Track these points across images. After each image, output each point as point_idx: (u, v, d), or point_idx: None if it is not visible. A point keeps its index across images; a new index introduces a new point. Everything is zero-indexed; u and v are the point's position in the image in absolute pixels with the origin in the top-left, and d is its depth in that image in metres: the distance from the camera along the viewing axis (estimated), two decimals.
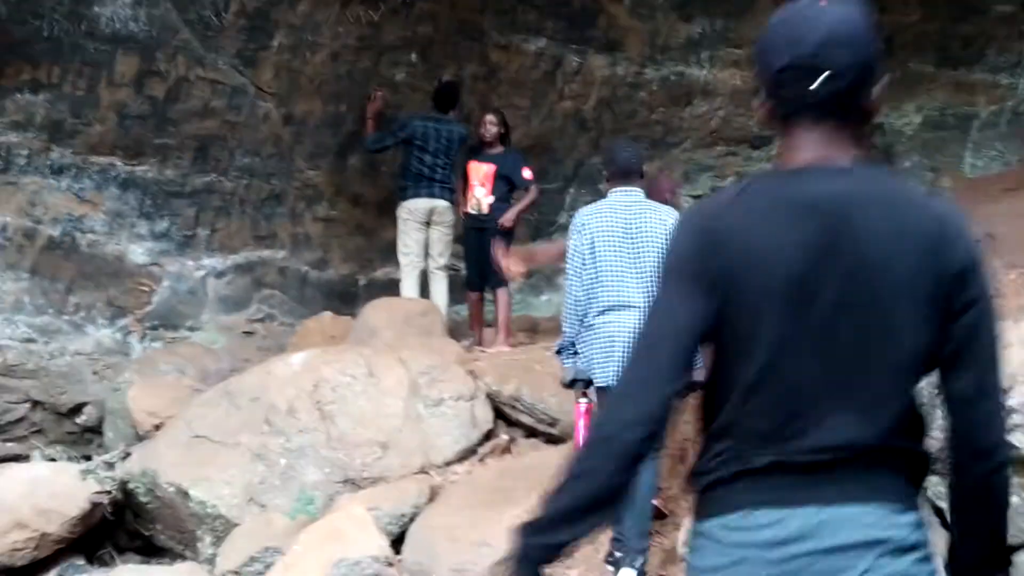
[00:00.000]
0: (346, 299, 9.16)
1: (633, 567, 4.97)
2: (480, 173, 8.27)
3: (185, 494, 6.13)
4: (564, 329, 5.39)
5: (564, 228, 7.93)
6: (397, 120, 8.62)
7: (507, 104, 9.26)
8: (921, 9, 9.82)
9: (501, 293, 8.21)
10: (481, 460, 6.43)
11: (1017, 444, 3.66)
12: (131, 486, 6.33)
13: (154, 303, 8.34)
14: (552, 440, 6.58)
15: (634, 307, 4.90)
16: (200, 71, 8.13)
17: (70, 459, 7.09)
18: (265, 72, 8.44)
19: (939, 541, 2.01)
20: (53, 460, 7.02)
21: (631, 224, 5.23)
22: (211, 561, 5.89)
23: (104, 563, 6.22)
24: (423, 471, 6.22)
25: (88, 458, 7.08)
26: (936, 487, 3.59)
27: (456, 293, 8.74)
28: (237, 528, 5.93)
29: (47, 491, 5.99)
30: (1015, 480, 3.31)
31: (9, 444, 7.50)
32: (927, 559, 1.85)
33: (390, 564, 5.28)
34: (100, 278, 8.10)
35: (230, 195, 8.65)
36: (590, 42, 9.54)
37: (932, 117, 10.19)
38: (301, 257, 9.08)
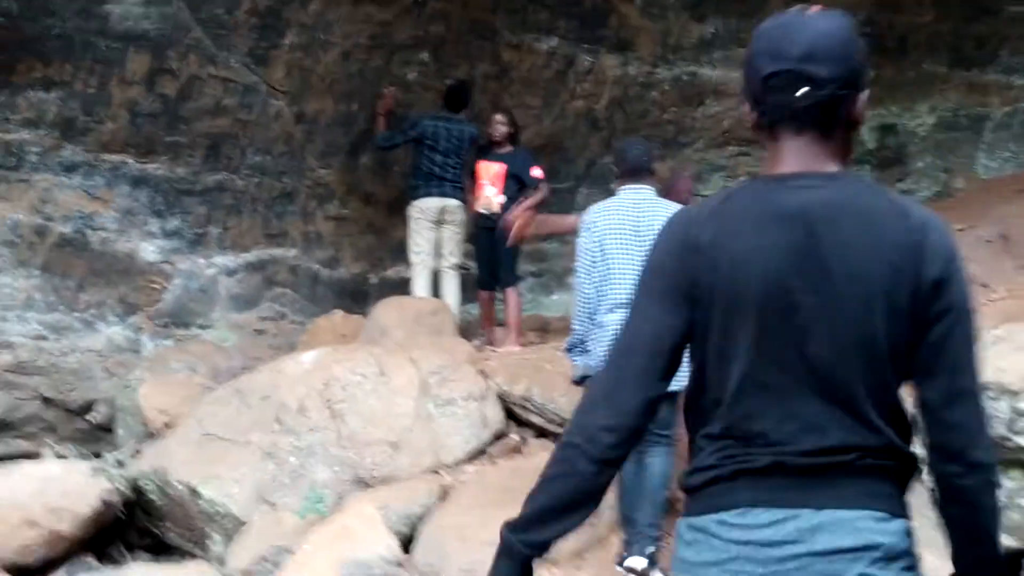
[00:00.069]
0: (357, 298, 9.16)
1: (643, 555, 4.97)
2: (490, 172, 8.26)
3: (195, 492, 6.13)
4: (574, 327, 5.40)
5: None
6: (408, 119, 8.62)
7: (519, 103, 9.26)
8: (934, 10, 9.80)
9: (511, 293, 8.20)
10: (491, 460, 6.41)
11: None
12: (141, 484, 6.34)
13: (165, 301, 8.34)
14: None
15: None
16: (212, 69, 8.14)
17: (81, 457, 7.09)
18: (277, 70, 8.44)
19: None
20: (63, 458, 7.02)
21: (640, 222, 5.23)
22: (221, 560, 5.89)
23: (114, 561, 6.22)
24: (433, 471, 6.21)
25: (98, 456, 7.09)
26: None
27: (467, 292, 8.73)
28: (247, 527, 5.93)
29: (58, 489, 6.00)
30: None
31: (20, 441, 7.53)
32: (913, 567, 1.89)
33: (400, 564, 5.28)
34: (111, 276, 8.11)
35: (241, 193, 8.66)
36: (602, 42, 9.53)
37: (945, 118, 10.16)
38: (312, 256, 9.09)
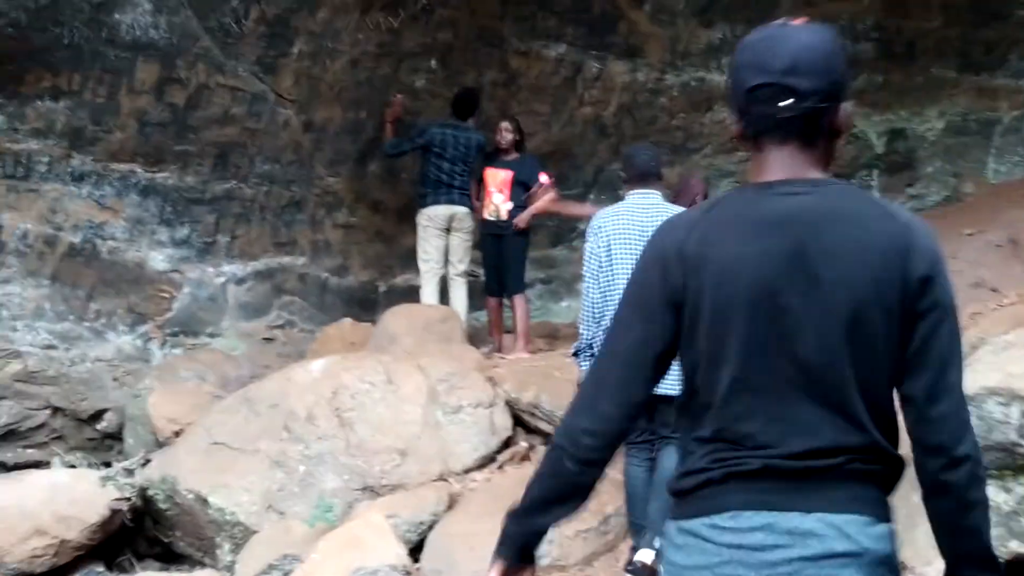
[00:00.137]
0: (366, 306, 9.16)
1: (652, 547, 4.96)
2: (497, 179, 8.29)
3: (204, 501, 6.13)
4: (581, 331, 5.40)
5: (584, 234, 7.91)
6: (416, 127, 8.63)
7: (527, 110, 9.26)
8: (943, 14, 9.78)
9: (519, 300, 8.21)
10: (500, 467, 6.40)
11: None
12: (150, 493, 6.34)
13: (174, 310, 8.34)
14: None
15: None
16: (220, 78, 8.14)
17: (90, 466, 7.10)
18: (285, 79, 8.45)
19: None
20: (73, 467, 7.04)
21: (647, 226, 5.22)
22: (230, 568, 5.89)
23: (123, 570, 6.23)
24: (442, 478, 6.20)
25: (108, 464, 7.10)
26: None
27: (476, 300, 8.72)
28: (256, 535, 5.92)
29: (67, 498, 6.00)
30: None
31: (29, 450, 7.52)
32: (895, 571, 1.93)
33: (408, 572, 5.27)
34: (120, 285, 8.11)
35: (250, 202, 8.66)
36: (610, 48, 9.53)
37: (955, 122, 10.13)
38: (321, 264, 9.09)
